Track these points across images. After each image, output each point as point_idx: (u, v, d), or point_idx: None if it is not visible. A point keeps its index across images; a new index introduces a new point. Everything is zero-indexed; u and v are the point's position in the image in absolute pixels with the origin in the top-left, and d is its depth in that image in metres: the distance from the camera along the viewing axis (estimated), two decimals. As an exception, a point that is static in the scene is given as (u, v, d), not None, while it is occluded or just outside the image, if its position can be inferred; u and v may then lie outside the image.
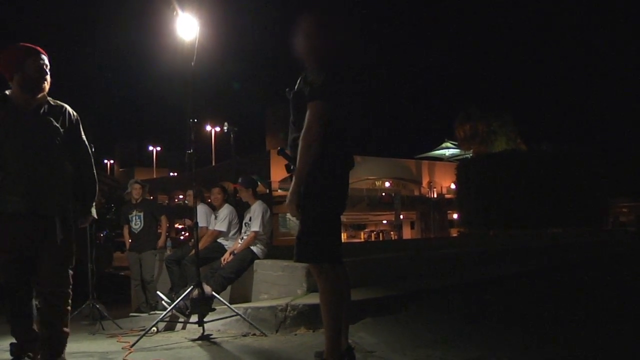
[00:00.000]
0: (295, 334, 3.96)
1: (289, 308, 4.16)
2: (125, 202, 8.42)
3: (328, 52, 2.84)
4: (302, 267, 4.81)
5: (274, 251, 5.97)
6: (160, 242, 8.02)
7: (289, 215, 2.88)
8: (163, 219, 8.38)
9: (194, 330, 4.47)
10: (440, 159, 53.67)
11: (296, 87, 2.88)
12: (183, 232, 42.09)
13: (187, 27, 4.67)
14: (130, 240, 8.05)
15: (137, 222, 7.95)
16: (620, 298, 4.88)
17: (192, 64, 4.45)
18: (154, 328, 4.53)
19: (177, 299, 4.57)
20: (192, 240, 6.73)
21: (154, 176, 66.70)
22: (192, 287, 4.30)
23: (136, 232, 7.92)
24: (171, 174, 65.80)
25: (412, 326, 4.02)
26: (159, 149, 73.49)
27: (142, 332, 4.22)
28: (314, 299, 4.41)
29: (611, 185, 21.29)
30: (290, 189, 2.75)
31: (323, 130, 2.66)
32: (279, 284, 5.15)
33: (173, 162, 66.87)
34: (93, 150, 3.51)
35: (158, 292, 5.62)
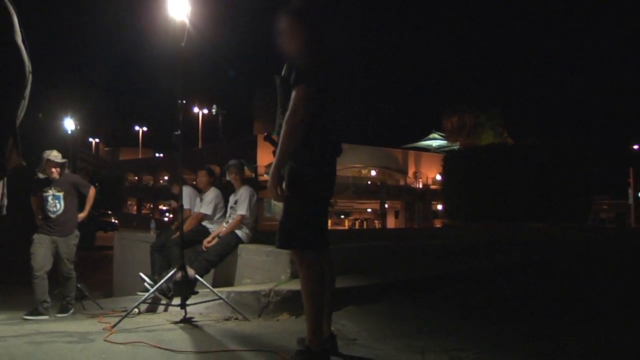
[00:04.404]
0: (278, 320, 3.96)
1: (272, 293, 4.16)
2: (38, 176, 6.37)
3: (315, 37, 2.81)
4: (287, 253, 4.79)
5: (258, 236, 5.95)
6: (81, 215, 6.50)
7: (274, 200, 2.86)
8: (91, 190, 6.58)
9: (176, 312, 4.46)
10: (427, 149, 53.80)
11: (283, 72, 2.85)
12: (167, 214, 42.03)
13: (178, 6, 4.61)
14: (42, 224, 6.25)
15: (54, 204, 6.23)
16: (605, 295, 4.94)
17: (183, 44, 4.39)
18: (136, 309, 4.50)
19: (159, 281, 4.54)
20: (176, 222, 6.68)
21: (140, 156, 66.27)
22: (175, 269, 4.27)
23: (53, 216, 6.20)
24: (157, 154, 65.43)
25: (395, 315, 4.03)
26: (145, 129, 72.91)
27: (124, 313, 4.20)
28: (298, 285, 4.38)
29: (593, 181, 21.46)
30: (271, 171, 2.73)
31: (308, 114, 2.64)
32: (263, 269, 5.14)
33: (159, 142, 66.52)
34: None
35: (140, 274, 5.58)
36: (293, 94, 2.67)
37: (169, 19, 4.56)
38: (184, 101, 4.47)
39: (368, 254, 5.85)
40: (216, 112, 6.92)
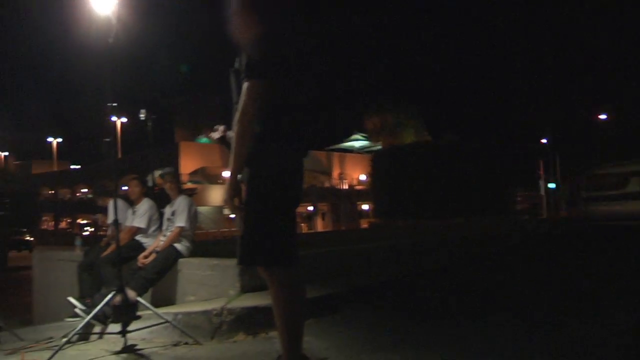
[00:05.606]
0: (235, 341, 3.60)
1: (224, 312, 3.79)
2: None
3: (270, 24, 2.51)
4: (235, 265, 4.44)
5: (198, 248, 5.53)
6: None
7: (232, 214, 2.51)
8: None
9: (113, 340, 3.96)
10: (350, 150, 54.18)
11: (236, 64, 2.53)
12: (87, 228, 39.89)
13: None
14: None
15: None
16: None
17: (110, 40, 3.93)
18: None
19: (91, 304, 4.06)
20: (105, 239, 6.14)
21: (55, 169, 62.73)
22: (113, 292, 3.81)
23: None
24: (73, 167, 62.20)
25: (360, 327, 3.78)
26: (59, 140, 68.70)
27: (52, 345, 3.70)
28: (251, 300, 4.07)
29: (511, 176, 22.31)
30: (227, 181, 2.40)
31: (260, 111, 2.33)
32: (208, 284, 4.74)
33: (75, 154, 63.25)
34: None
35: (69, 298, 5.00)
36: (244, 90, 2.37)
37: (93, 15, 4.10)
38: (115, 104, 4.00)
39: (315, 261, 5.57)
40: (145, 117, 6.38)
